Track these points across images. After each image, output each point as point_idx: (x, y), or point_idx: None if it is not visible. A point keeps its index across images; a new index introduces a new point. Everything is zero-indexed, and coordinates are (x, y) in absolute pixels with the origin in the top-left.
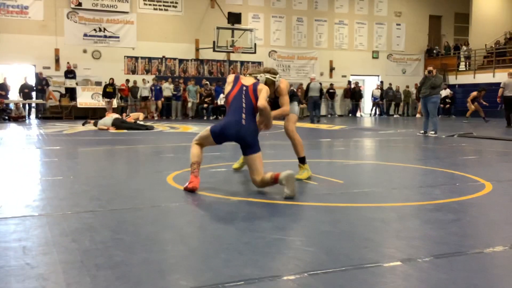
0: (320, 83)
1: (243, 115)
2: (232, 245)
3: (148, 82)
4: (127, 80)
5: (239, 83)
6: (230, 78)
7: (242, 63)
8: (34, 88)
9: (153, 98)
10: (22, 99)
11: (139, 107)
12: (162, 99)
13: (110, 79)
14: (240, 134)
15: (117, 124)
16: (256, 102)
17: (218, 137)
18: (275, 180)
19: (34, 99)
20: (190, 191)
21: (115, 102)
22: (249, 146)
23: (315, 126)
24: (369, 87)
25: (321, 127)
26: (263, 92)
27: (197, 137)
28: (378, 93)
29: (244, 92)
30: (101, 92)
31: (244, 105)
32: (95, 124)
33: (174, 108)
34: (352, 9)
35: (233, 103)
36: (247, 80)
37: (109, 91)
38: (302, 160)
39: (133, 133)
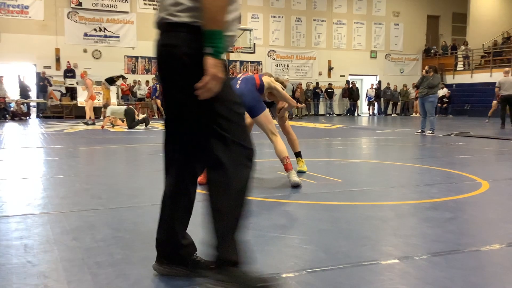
0: (292, 84)
1: (238, 82)
2: None
3: (140, 83)
4: (125, 79)
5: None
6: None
7: (241, 62)
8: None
9: (154, 97)
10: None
11: (139, 107)
12: (156, 98)
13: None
14: None
15: (129, 113)
16: (257, 82)
17: (250, 111)
18: (284, 168)
19: (32, 98)
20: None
21: (114, 100)
22: (250, 108)
23: (313, 125)
24: (367, 87)
25: (320, 126)
26: (280, 89)
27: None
28: (372, 93)
29: (244, 77)
30: (101, 92)
31: (239, 81)
32: (105, 106)
33: None
34: (350, 9)
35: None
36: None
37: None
38: (299, 154)
39: (133, 132)
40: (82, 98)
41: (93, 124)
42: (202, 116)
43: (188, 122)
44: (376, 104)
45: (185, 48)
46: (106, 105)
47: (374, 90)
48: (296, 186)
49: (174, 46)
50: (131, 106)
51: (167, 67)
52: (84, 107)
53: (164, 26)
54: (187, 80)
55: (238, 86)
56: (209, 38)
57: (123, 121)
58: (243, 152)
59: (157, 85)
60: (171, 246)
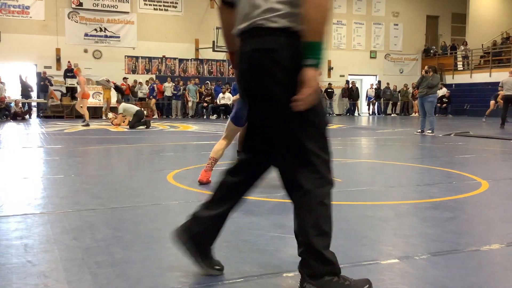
0: None
1: None
2: (231, 243)
3: (142, 84)
4: (125, 78)
5: None
6: None
7: None
8: (30, 88)
9: (151, 97)
10: (21, 97)
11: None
12: (153, 98)
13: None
14: None
15: (138, 114)
16: None
17: (237, 120)
18: None
19: (33, 98)
20: (200, 183)
21: (115, 100)
22: None
23: None
24: (366, 87)
25: None
26: None
27: (224, 131)
28: (372, 92)
29: None
30: (102, 92)
31: None
32: (119, 101)
33: (174, 107)
34: (350, 9)
35: None
36: None
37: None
38: None
39: (133, 132)
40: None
41: (87, 125)
42: (292, 122)
43: (274, 127)
44: (376, 103)
45: (285, 52)
46: (119, 101)
47: (374, 90)
48: None
49: (273, 51)
50: (142, 109)
51: (262, 71)
52: (82, 107)
53: (257, 31)
54: (284, 85)
55: None
56: (311, 49)
57: (123, 121)
58: (324, 165)
59: (154, 85)
60: (205, 231)
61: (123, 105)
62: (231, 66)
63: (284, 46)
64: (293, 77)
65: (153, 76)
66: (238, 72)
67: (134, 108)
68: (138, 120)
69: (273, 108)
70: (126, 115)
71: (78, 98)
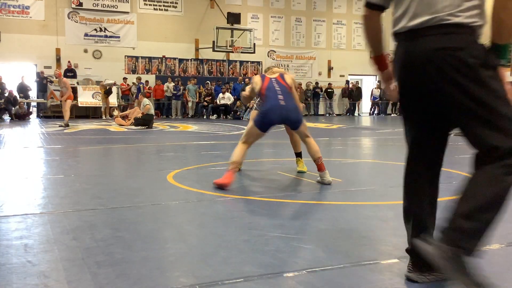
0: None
1: (280, 97)
2: (231, 243)
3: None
4: (125, 79)
5: (267, 78)
6: (257, 77)
7: (241, 62)
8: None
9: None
10: (19, 98)
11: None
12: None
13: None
14: (283, 114)
15: (149, 114)
16: (287, 86)
17: (263, 125)
18: (318, 168)
19: (32, 98)
20: (220, 187)
21: (114, 100)
22: (295, 122)
23: (313, 125)
24: (367, 87)
25: (319, 126)
26: (294, 88)
27: (243, 136)
28: (377, 92)
29: (274, 81)
30: (101, 92)
31: (278, 89)
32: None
33: (174, 107)
34: (350, 9)
35: (267, 92)
36: (272, 75)
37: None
38: (299, 155)
39: (133, 132)
40: (82, 98)
41: (67, 126)
42: (481, 113)
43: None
44: (380, 104)
45: (471, 50)
46: (143, 94)
47: (379, 90)
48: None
49: (460, 49)
50: (153, 115)
51: (450, 71)
52: (85, 107)
53: (439, 28)
54: (472, 82)
55: (283, 103)
56: (504, 51)
57: (124, 119)
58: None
59: (141, 85)
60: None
61: (146, 99)
62: (231, 66)
63: (469, 44)
64: (477, 75)
65: (140, 76)
66: (408, 73)
67: (152, 108)
68: (142, 122)
69: (461, 108)
70: (139, 108)
71: (63, 101)
